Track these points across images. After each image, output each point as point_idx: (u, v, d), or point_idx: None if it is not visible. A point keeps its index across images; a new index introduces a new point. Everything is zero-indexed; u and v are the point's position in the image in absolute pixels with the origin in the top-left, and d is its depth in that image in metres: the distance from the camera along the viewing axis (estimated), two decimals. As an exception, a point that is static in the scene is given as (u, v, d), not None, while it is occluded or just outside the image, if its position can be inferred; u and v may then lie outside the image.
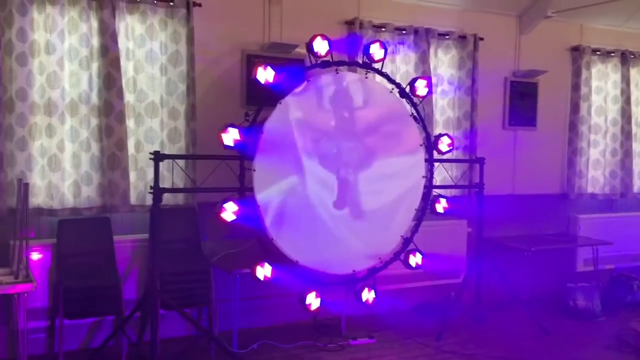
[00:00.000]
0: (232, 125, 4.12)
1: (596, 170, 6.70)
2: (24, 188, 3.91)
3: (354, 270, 4.63)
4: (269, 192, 4.24)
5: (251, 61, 5.01)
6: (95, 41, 4.49)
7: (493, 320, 5.39)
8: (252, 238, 4.52)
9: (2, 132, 4.20)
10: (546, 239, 6.13)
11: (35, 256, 4.29)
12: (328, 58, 4.43)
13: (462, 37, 5.87)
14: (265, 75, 4.22)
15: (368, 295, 4.73)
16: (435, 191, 5.08)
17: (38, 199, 4.40)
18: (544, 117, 6.43)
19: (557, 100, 6.52)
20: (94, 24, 4.48)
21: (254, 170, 4.18)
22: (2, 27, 4.18)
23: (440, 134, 5.13)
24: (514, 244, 5.87)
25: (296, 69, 4.56)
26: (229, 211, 4.12)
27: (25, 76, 4.29)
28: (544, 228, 6.42)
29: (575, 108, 6.50)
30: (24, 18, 4.25)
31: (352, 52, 5.13)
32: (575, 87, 6.50)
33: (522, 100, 6.32)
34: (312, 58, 4.42)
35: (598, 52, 6.60)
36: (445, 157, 5.18)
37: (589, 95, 6.54)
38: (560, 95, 6.54)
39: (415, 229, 4.91)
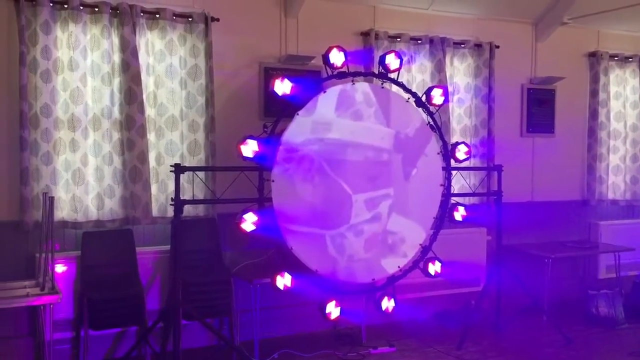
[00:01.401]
0: (251, 137, 4.17)
1: (617, 176, 6.65)
2: (49, 202, 4.00)
3: (373, 279, 4.66)
4: (287, 203, 4.29)
5: (268, 73, 5.08)
6: (116, 57, 4.59)
7: (514, 329, 5.36)
8: (272, 248, 4.57)
9: (28, 148, 4.31)
10: (567, 246, 6.09)
11: (60, 268, 4.38)
12: (344, 69, 4.48)
13: (478, 46, 5.88)
14: (282, 87, 4.27)
15: (388, 303, 4.74)
16: (454, 199, 5.10)
17: (63, 212, 4.49)
18: (562, 123, 6.41)
19: (575, 106, 6.50)
20: (115, 40, 4.59)
21: (273, 180, 4.24)
22: (27, 45, 4.30)
23: (457, 142, 5.14)
24: (534, 251, 5.84)
25: (313, 80, 4.61)
26: (249, 222, 4.17)
27: (50, 92, 4.39)
28: (564, 235, 6.38)
29: (594, 114, 6.47)
30: (48, 36, 4.36)
31: (368, 63, 5.18)
32: (594, 93, 6.48)
33: (539, 107, 6.31)
34: (328, 69, 4.46)
35: (616, 58, 6.57)
36: (463, 165, 5.19)
37: (607, 101, 6.51)
38: (578, 101, 6.52)
39: (434, 237, 4.92)
